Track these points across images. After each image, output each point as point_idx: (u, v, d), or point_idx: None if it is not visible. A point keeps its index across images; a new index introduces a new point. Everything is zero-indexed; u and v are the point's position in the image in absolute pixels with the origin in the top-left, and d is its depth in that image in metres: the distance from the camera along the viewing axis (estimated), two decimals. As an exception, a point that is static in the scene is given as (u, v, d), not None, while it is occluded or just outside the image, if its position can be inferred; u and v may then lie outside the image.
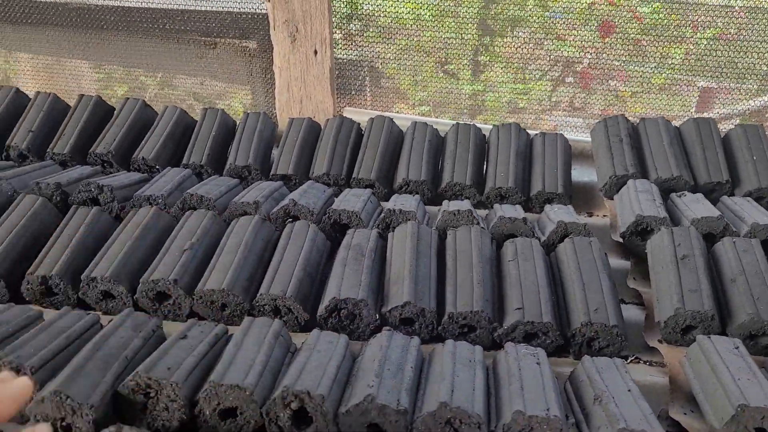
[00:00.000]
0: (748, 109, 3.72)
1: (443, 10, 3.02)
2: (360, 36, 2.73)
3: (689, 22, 3.36)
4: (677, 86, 3.33)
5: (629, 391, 1.02)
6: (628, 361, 1.27)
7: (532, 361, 1.08)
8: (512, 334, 1.23)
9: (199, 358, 1.04)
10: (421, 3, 2.98)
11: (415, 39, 3.04)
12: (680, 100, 3.38)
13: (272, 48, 2.43)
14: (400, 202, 1.54)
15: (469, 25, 3.39)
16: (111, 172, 1.74)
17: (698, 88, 3.62)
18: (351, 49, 2.68)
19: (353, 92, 2.65)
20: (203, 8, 2.43)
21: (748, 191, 1.64)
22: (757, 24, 2.79)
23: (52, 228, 1.41)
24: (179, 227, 1.40)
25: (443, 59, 3.35)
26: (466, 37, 3.39)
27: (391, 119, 1.88)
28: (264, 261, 1.36)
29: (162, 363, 1.00)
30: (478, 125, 1.89)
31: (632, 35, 3.25)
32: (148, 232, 1.38)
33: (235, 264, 1.29)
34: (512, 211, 1.52)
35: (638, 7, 3.39)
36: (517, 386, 1.01)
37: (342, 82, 2.65)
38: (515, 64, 3.35)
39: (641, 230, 1.46)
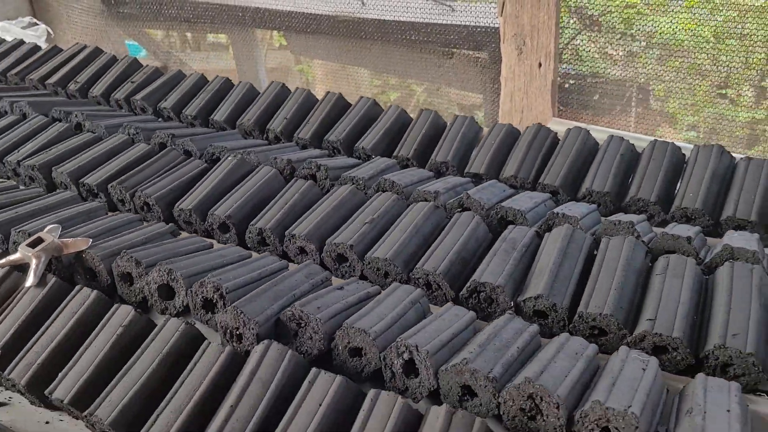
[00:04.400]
0: None
1: (726, 30, 2.88)
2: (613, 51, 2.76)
3: None
4: None
5: (728, 411, 1.00)
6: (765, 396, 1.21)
7: (639, 366, 1.11)
8: (641, 344, 1.25)
9: (346, 306, 1.28)
10: (700, 21, 2.89)
11: (692, 60, 2.94)
12: None
13: (501, 59, 2.61)
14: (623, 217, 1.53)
15: (757, 45, 3.17)
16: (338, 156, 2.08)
17: None
18: (617, 67, 2.73)
19: (575, 105, 2.71)
20: (444, 22, 2.69)
21: None
22: None
23: (278, 193, 1.77)
24: (367, 204, 1.66)
25: (721, 83, 3.18)
26: (750, 60, 3.17)
27: (587, 131, 1.93)
28: (430, 242, 1.55)
29: (314, 302, 1.26)
30: (678, 144, 1.84)
31: None
32: (343, 205, 1.67)
33: (401, 240, 1.50)
34: (742, 241, 1.44)
35: None
36: (609, 382, 1.06)
37: (571, 96, 2.71)
38: None
39: None
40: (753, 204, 1.62)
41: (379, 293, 1.37)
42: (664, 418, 1.08)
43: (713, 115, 3.22)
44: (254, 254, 1.56)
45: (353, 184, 1.79)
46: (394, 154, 2.06)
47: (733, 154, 1.78)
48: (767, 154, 3.17)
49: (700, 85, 3.10)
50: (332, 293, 1.32)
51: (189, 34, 4.44)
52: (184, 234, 1.69)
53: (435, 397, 1.16)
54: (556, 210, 1.59)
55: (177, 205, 1.74)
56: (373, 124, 2.17)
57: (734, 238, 1.46)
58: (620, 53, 2.95)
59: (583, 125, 2.03)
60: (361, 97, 2.27)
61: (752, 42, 2.90)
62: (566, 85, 3.02)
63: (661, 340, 1.23)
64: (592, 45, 2.93)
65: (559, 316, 1.32)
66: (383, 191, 1.74)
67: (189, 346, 1.22)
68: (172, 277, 1.36)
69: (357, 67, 3.11)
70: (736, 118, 3.26)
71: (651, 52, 2.88)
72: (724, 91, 3.21)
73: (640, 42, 2.85)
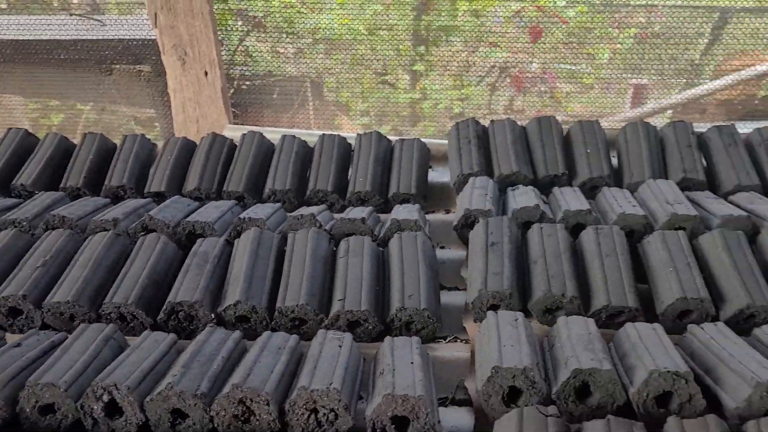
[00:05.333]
0: (679, 103, 3.92)
1: (377, 23, 3.16)
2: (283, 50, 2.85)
3: (614, 22, 3.55)
4: (610, 84, 3.52)
5: (412, 363, 1.14)
6: (447, 340, 1.41)
7: (336, 344, 1.21)
8: (337, 324, 1.35)
9: (27, 363, 1.15)
10: (354, 17, 3.12)
11: (353, 52, 3.18)
12: (614, 97, 3.55)
13: (165, 72, 2.54)
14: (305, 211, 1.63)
15: (403, 35, 3.53)
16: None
17: (631, 85, 3.82)
18: (290, 64, 2.82)
19: (257, 106, 2.79)
20: (95, 37, 2.53)
21: (583, 181, 1.80)
22: (679, 20, 2.97)
23: None
24: (35, 247, 1.49)
25: (381, 70, 3.49)
26: (401, 48, 3.54)
27: (261, 134, 2.00)
28: (116, 273, 1.46)
29: (-15, 368, 1.10)
30: (343, 135, 2.02)
31: (560, 38, 3.43)
32: (6, 253, 1.48)
33: (83, 277, 1.39)
34: (406, 213, 1.63)
35: (564, 11, 3.58)
36: (311, 366, 1.13)
37: (251, 97, 2.76)
38: (451, 72, 3.50)
39: (471, 223, 1.60)
40: (411, 179, 1.85)
41: (65, 338, 1.26)
42: (364, 385, 1.19)
43: (380, 100, 3.57)
44: None
45: (15, 226, 1.60)
46: (61, 185, 1.88)
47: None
48: (428, 131, 3.59)
49: (365, 74, 3.40)
50: (8, 353, 1.17)
51: None
52: None
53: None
54: (242, 215, 1.62)
55: None
56: (29, 156, 1.96)
57: (400, 211, 1.65)
58: (290, 51, 3.10)
59: (257, 128, 2.10)
60: (9, 129, 2.02)
61: (398, 32, 3.28)
62: (243, 87, 3.07)
63: (352, 316, 1.34)
64: (262, 45, 3.03)
65: (260, 316, 1.36)
66: (53, 229, 1.58)
67: None
68: None
69: (3, 94, 2.76)
70: (398, 101, 3.66)
71: (318, 48, 3.08)
72: (385, 78, 3.58)
73: (306, 39, 3.02)
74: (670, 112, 3.85)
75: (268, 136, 2.04)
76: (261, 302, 1.37)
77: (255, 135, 2.00)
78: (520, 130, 1.94)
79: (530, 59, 3.38)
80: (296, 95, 3.25)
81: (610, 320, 1.34)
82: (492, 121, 1.97)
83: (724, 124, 1.93)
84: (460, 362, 1.30)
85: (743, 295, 1.31)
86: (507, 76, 3.68)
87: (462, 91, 3.71)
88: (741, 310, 1.30)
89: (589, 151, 1.85)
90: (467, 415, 1.19)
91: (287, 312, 1.35)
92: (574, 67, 3.66)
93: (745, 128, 1.94)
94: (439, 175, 2.00)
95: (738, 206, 1.63)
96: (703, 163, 1.84)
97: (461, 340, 1.40)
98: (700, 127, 1.95)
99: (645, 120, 2.09)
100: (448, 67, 3.52)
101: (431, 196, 1.92)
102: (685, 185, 1.76)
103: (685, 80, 3.74)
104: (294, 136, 2.01)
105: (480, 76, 3.68)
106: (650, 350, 1.11)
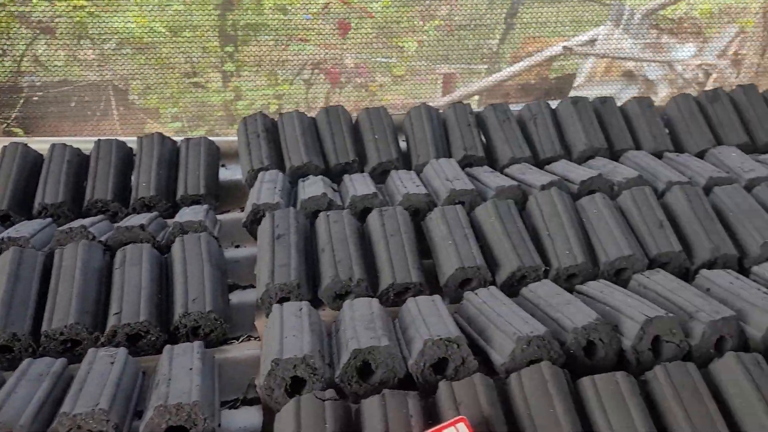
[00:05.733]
0: (485, 88, 4.13)
1: (179, 23, 2.98)
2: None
3: (418, 14, 3.64)
4: (420, 74, 3.60)
5: (191, 369, 1.08)
6: (240, 340, 1.36)
7: (107, 361, 1.11)
8: (115, 339, 1.25)
9: None
10: (154, 18, 2.91)
11: (156, 53, 2.97)
12: (425, 86, 3.65)
13: None
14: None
15: (209, 33, 3.36)
16: None
17: (440, 74, 3.95)
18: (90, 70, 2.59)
19: (52, 118, 2.55)
20: None
21: (373, 167, 1.83)
22: (478, 10, 3.10)
23: None
24: None
25: (189, 72, 3.30)
26: (208, 47, 3.37)
27: (25, 145, 1.81)
28: None
29: None
30: (122, 139, 1.89)
31: (369, 31, 3.46)
32: None
33: None
34: (190, 214, 1.55)
35: (369, 5, 3.61)
36: (77, 389, 1.03)
37: (46, 108, 2.52)
38: (264, 70, 3.40)
39: (260, 218, 1.56)
40: (199, 179, 1.77)
41: None
42: (143, 400, 1.11)
43: (192, 103, 3.41)
44: None
45: None
46: None
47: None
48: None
49: (172, 77, 3.22)
50: None
51: None
52: None
53: None
54: (0, 235, 1.45)
55: None
56: None
57: (184, 214, 1.57)
58: (89, 56, 2.86)
59: (21, 139, 1.90)
60: None
61: (204, 31, 3.14)
62: (34, 99, 2.79)
63: (131, 329, 1.25)
64: (53, 51, 2.76)
65: (24, 343, 1.22)
66: None
67: None
68: None
69: None
70: (211, 102, 3.52)
71: (118, 51, 2.88)
72: (195, 80, 3.43)
73: (110, 43, 2.81)
74: (476, 97, 4.09)
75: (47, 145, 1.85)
76: (23, 328, 1.23)
77: (18, 147, 1.81)
78: (310, 121, 1.93)
79: (342, 53, 3.41)
80: (97, 103, 3.01)
81: (398, 297, 1.37)
82: (280, 114, 1.95)
83: (498, 102, 2.06)
84: (251, 361, 1.25)
85: (514, 258, 1.41)
86: (321, 72, 3.70)
87: (277, 88, 3.67)
88: (513, 273, 1.39)
89: (377, 137, 1.89)
90: (257, 414, 1.16)
91: (55, 334, 1.23)
92: (385, 60, 3.76)
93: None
94: (231, 173, 1.94)
95: (512, 177, 1.75)
96: (482, 140, 1.96)
97: (255, 338, 1.36)
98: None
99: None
100: (260, 65, 3.45)
101: (225, 195, 1.86)
102: (466, 162, 1.85)
103: (487, 67, 3.99)
104: (65, 144, 1.84)
105: (294, 72, 3.66)
106: (426, 321, 1.15)
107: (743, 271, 1.45)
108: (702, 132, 1.98)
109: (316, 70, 3.74)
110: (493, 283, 1.41)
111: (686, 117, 2.03)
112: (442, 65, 3.62)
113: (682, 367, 1.05)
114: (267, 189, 1.62)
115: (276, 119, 1.95)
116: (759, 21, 3.58)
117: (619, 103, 2.06)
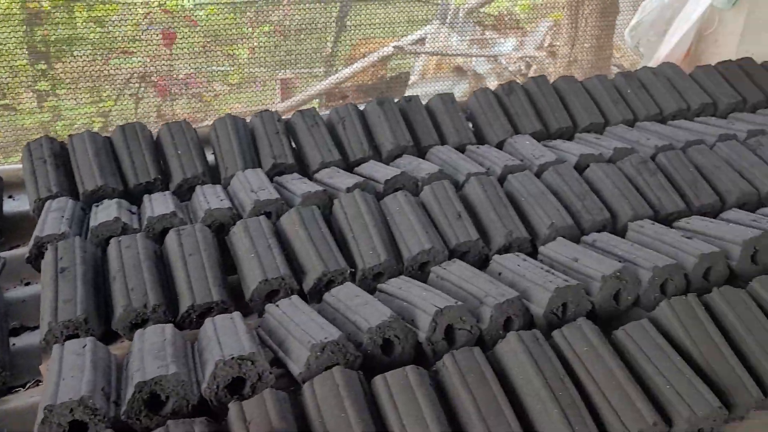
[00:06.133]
0: (323, 91, 4.09)
1: None
2: None
3: (246, 21, 3.52)
4: (256, 81, 3.48)
5: None
6: (26, 388, 1.24)
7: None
8: None
9: None
10: None
11: None
12: (263, 93, 3.54)
13: None
14: None
15: (16, 51, 3.05)
16: None
17: (278, 79, 3.86)
18: None
19: None
20: None
21: (178, 184, 1.75)
22: (308, 15, 3.04)
23: None
24: None
25: None
26: (16, 66, 3.04)
27: None
28: None
29: None
30: None
31: (196, 40, 3.29)
32: None
33: None
34: None
35: (193, 13, 3.44)
36: None
37: None
38: (83, 86, 3.11)
39: (44, 251, 1.44)
40: None
41: None
42: None
43: (5, 128, 3.10)
44: None
45: None
46: None
47: None
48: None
49: None
50: None
51: None
52: None
53: None
54: None
55: None
56: None
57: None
58: None
59: None
60: None
61: (6, 48, 2.87)
62: None
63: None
64: None
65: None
66: None
67: None
68: None
69: None
70: (26, 126, 3.21)
71: None
72: (4, 102, 3.12)
73: None
74: (316, 100, 4.08)
75: None
76: None
77: None
78: (103, 141, 1.81)
79: (170, 64, 3.25)
80: None
81: (202, 319, 1.31)
82: (70, 135, 1.81)
83: (306, 108, 2.06)
84: (36, 409, 1.14)
85: (318, 264, 1.40)
86: (148, 85, 3.50)
87: (100, 105, 3.43)
88: (319, 279, 1.39)
89: (180, 152, 1.81)
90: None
91: None
92: (218, 68, 3.64)
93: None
94: (19, 204, 1.78)
95: (321, 182, 1.75)
96: (293, 147, 1.94)
97: (42, 383, 1.25)
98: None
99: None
100: (77, 82, 3.19)
101: (13, 229, 1.70)
102: (277, 170, 1.83)
103: (324, 70, 3.99)
104: None
105: (119, 88, 3.44)
106: (221, 341, 1.11)
107: (536, 252, 1.55)
108: (500, 123, 2.10)
109: (143, 84, 3.55)
110: (301, 291, 1.40)
111: (486, 110, 2.15)
112: (280, 71, 3.58)
113: (468, 353, 1.09)
114: (53, 219, 1.50)
115: (66, 142, 1.81)
116: (567, 14, 3.87)
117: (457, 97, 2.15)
